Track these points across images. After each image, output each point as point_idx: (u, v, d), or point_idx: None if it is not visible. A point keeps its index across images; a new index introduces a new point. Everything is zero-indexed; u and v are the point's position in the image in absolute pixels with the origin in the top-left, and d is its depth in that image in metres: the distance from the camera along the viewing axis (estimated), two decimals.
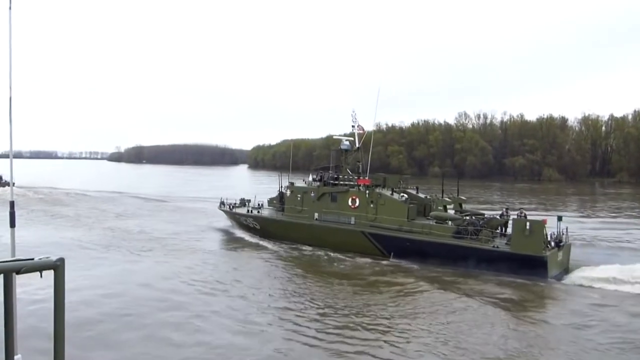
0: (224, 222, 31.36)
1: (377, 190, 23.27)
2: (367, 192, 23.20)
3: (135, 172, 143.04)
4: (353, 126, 25.37)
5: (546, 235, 19.53)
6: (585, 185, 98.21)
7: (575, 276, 19.78)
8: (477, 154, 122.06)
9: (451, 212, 22.78)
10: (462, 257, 20.02)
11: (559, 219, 20.86)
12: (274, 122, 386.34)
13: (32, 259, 1.96)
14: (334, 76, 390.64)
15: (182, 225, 31.67)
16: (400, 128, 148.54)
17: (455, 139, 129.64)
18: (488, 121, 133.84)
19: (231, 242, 26.82)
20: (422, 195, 24.25)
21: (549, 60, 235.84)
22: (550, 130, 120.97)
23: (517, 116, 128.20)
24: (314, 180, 26.13)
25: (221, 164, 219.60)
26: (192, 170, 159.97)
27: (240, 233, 28.34)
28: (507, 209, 22.21)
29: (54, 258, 2.00)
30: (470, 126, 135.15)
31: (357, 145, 25.87)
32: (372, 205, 22.90)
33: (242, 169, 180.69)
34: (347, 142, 25.88)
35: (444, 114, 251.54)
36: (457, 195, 23.23)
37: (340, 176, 25.41)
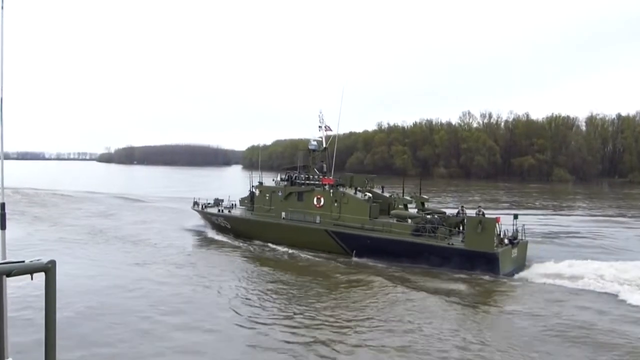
0: None
1: (341, 189, 25.09)
2: (331, 191, 25.02)
3: (130, 173, 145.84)
4: (320, 127, 27.23)
5: (499, 232, 21.26)
6: (598, 186, 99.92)
7: (529, 272, 21.49)
8: (485, 153, 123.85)
9: (414, 210, 24.58)
10: (419, 254, 21.77)
11: (515, 217, 22.62)
12: (267, 122, 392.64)
13: (23, 262, 2.02)
14: (330, 76, 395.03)
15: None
16: (403, 128, 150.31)
17: (462, 139, 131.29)
18: (493, 120, 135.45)
19: (200, 240, 28.77)
20: (386, 195, 26.05)
21: (545, 59, 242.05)
22: (559, 129, 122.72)
23: (523, 115, 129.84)
24: (281, 180, 27.99)
25: (214, 164, 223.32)
26: (187, 171, 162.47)
27: (211, 233, 30.27)
28: (462, 206, 23.97)
29: (45, 260, 2.06)
30: (475, 125, 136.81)
31: (324, 145, 27.70)
32: (336, 204, 24.72)
33: (237, 170, 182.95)
34: (315, 143, 27.73)
35: (441, 113, 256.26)
36: (420, 194, 25.00)
37: (308, 176, 27.25)
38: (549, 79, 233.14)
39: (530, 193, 76.43)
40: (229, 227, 29.39)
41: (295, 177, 27.47)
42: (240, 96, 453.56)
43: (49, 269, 2.07)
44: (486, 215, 22.43)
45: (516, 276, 21.13)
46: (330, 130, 27.11)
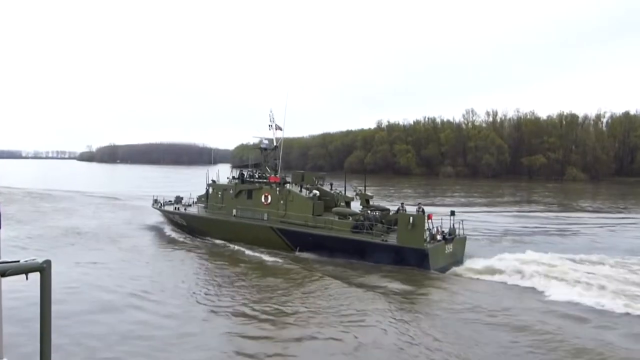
0: None
1: (287, 187, 27.87)
2: (278, 189, 27.78)
3: (126, 172, 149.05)
4: (270, 126, 29.99)
5: (430, 229, 23.88)
6: (613, 184, 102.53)
7: (462, 268, 24.07)
8: (494, 152, 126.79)
9: (359, 207, 27.30)
10: (357, 250, 24.48)
11: (452, 213, 25.24)
12: (254, 121, 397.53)
13: (18, 261, 2.14)
14: (325, 75, 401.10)
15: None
16: (404, 126, 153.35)
17: (468, 137, 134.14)
18: (499, 118, 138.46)
19: (155, 237, 31.69)
20: (334, 192, 28.82)
21: (544, 58, 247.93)
22: (571, 127, 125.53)
23: (529, 112, 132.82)
24: (233, 178, 30.81)
25: (200, 163, 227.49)
26: (176, 170, 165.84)
27: (168, 230, 33.24)
28: (402, 203, 26.60)
29: (40, 260, 2.19)
30: (478, 123, 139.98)
31: (274, 144, 30.51)
32: (282, 202, 27.49)
33: (226, 168, 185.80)
34: (267, 141, 30.54)
35: (442, 111, 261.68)
36: (364, 191, 27.75)
37: (259, 174, 30.08)
38: (549, 77, 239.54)
39: (557, 193, 79.42)
40: (184, 224, 32.23)
41: (246, 175, 30.29)
42: (226, 95, 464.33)
43: (44, 269, 2.17)
44: (426, 212, 25.01)
45: (449, 272, 23.62)
46: (280, 129, 29.89)
